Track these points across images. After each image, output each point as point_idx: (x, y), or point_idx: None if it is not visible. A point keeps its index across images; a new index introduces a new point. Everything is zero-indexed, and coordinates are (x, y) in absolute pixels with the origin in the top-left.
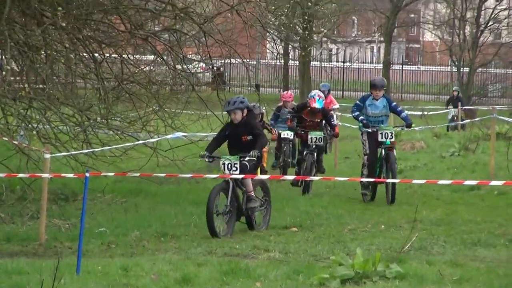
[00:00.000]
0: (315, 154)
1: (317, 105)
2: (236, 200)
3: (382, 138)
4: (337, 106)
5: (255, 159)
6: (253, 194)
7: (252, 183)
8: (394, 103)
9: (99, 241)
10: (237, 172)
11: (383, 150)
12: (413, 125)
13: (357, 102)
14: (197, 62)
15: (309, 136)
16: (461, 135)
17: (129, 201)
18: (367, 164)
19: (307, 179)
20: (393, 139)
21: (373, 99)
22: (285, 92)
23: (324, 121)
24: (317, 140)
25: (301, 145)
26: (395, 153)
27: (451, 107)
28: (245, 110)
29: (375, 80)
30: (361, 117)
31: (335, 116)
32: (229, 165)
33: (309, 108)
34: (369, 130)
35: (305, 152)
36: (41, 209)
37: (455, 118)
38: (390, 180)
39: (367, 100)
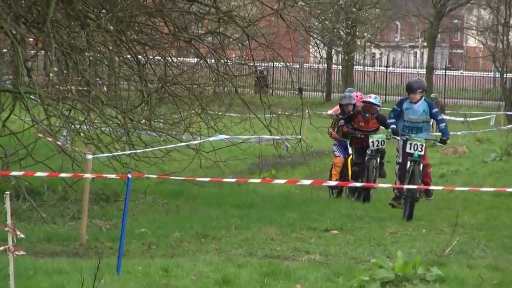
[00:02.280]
0: (377, 159)
1: (373, 100)
2: None
3: (410, 149)
4: None
5: None
6: None
7: None
8: (436, 109)
9: (140, 241)
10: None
11: (410, 163)
12: (448, 141)
13: (394, 106)
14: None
15: (370, 140)
16: (503, 140)
17: (171, 202)
18: (398, 175)
19: (366, 187)
20: (422, 152)
21: (411, 103)
22: (359, 93)
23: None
24: (380, 144)
25: (356, 154)
26: (421, 168)
27: None
28: None
29: (411, 81)
30: (390, 120)
31: None
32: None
33: (363, 111)
34: (398, 138)
35: (367, 158)
36: (82, 210)
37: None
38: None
39: (405, 103)
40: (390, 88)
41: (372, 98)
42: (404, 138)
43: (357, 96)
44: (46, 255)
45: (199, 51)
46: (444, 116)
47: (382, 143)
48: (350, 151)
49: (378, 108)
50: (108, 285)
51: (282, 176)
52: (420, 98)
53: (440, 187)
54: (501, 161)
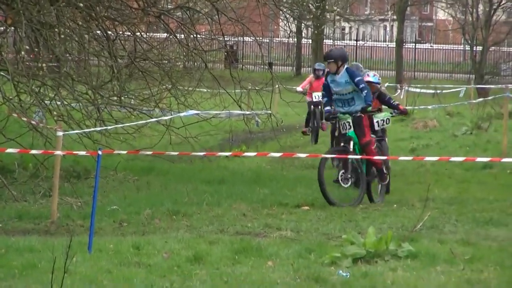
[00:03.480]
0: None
1: (372, 78)
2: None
3: (342, 130)
4: None
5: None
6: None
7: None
8: (359, 78)
9: (111, 219)
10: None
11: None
12: (369, 109)
13: (324, 81)
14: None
15: (375, 120)
16: (474, 114)
17: (142, 179)
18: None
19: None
20: (351, 130)
21: (333, 75)
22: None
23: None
24: (385, 122)
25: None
26: (351, 146)
27: None
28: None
29: (326, 51)
30: (324, 99)
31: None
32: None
33: None
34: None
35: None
36: (53, 187)
37: None
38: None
39: (329, 77)
40: (360, 61)
41: (371, 77)
42: (334, 122)
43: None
44: (17, 233)
45: (168, 26)
46: (413, 89)
47: (388, 122)
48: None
49: (379, 86)
50: (80, 263)
51: (252, 152)
52: (339, 68)
53: (410, 157)
54: (471, 134)
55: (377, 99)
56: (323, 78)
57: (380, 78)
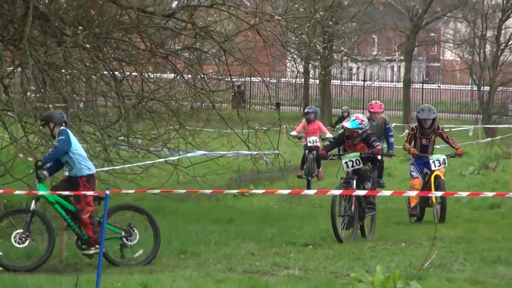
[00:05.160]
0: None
1: (348, 124)
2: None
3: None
4: (329, 135)
5: None
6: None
7: None
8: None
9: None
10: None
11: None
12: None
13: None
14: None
15: (343, 161)
16: (481, 154)
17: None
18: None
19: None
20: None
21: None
22: (374, 101)
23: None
24: (355, 163)
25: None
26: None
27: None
28: None
29: None
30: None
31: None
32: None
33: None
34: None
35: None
36: (61, 226)
37: None
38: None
39: None
40: (367, 102)
41: (349, 122)
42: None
43: (376, 103)
44: (25, 272)
45: (176, 66)
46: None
47: (358, 163)
48: (434, 166)
49: (360, 132)
50: None
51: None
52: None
53: (414, 193)
54: (479, 174)
55: (362, 143)
56: (316, 122)
57: (362, 122)
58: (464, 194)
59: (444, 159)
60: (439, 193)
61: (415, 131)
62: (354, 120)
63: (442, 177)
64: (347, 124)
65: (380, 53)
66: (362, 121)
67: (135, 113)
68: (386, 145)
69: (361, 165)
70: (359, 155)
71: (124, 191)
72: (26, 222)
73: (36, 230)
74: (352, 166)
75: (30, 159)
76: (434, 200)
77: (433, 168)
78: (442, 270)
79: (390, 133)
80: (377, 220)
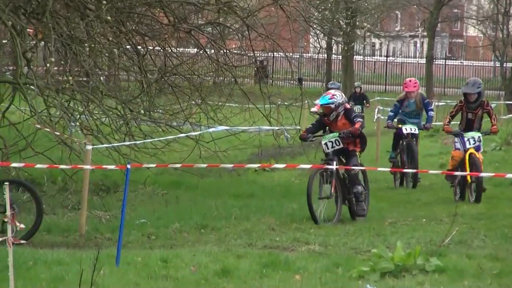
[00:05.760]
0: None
1: (318, 101)
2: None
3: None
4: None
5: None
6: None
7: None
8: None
9: (139, 232)
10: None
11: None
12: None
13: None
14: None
15: (323, 142)
16: (503, 130)
17: (170, 193)
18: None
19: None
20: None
21: None
22: (408, 79)
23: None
24: (334, 144)
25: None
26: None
27: (352, 103)
28: None
29: None
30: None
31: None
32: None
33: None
34: None
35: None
36: (82, 200)
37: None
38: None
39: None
40: (390, 78)
41: (320, 98)
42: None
43: (410, 81)
44: (45, 246)
45: (199, 41)
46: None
47: (337, 143)
48: (468, 144)
49: (333, 106)
50: (108, 276)
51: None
52: None
53: (439, 171)
54: (500, 150)
55: (344, 118)
56: None
57: (334, 97)
58: (489, 174)
59: (479, 137)
60: (464, 173)
61: (462, 103)
62: (324, 96)
63: (478, 156)
64: (317, 100)
65: (403, 29)
66: (334, 95)
67: (157, 87)
68: (426, 119)
69: (341, 145)
70: (338, 135)
71: (145, 166)
72: None
73: (57, 204)
74: (332, 147)
75: (49, 130)
76: (469, 179)
77: (467, 146)
78: (463, 246)
79: (430, 107)
80: (397, 196)
